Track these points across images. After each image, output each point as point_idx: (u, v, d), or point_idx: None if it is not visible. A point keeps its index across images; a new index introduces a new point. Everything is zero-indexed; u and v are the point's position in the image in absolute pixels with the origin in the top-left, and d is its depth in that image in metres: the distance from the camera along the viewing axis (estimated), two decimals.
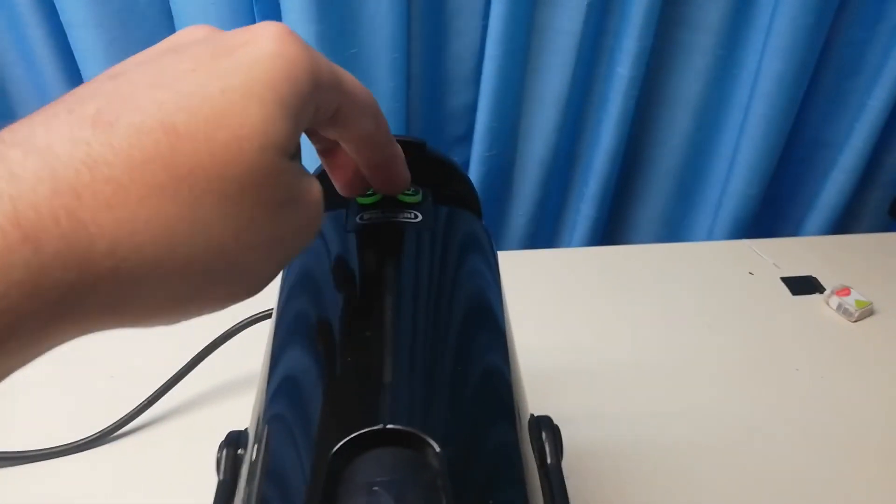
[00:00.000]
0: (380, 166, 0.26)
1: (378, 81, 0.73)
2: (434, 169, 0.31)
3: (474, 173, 0.83)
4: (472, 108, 0.80)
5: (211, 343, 0.51)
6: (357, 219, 0.29)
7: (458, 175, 0.34)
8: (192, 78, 0.17)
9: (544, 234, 0.92)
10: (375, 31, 0.70)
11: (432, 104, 0.81)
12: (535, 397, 0.56)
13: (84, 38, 0.68)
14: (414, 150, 0.32)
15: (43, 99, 0.77)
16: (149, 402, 0.51)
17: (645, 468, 0.51)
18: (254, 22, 0.68)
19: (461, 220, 0.31)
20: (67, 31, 0.68)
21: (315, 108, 0.20)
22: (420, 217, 0.30)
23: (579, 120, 0.83)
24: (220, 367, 0.53)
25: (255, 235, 0.18)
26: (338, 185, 0.28)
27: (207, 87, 0.17)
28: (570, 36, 0.74)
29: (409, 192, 0.30)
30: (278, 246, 0.19)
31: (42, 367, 0.52)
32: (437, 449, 0.20)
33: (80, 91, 0.17)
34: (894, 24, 0.75)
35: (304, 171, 0.20)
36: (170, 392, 0.52)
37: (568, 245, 0.93)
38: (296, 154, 0.20)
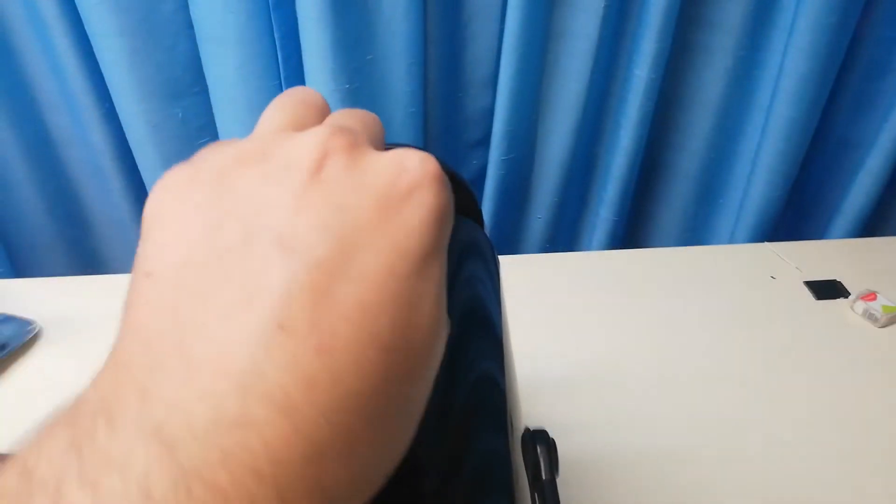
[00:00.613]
0: None
1: (395, 86, 0.74)
2: None
3: (492, 177, 0.83)
4: (490, 112, 0.80)
5: None
6: None
7: (457, 182, 0.33)
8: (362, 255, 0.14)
9: (563, 237, 0.92)
10: (392, 36, 0.70)
11: (449, 109, 0.81)
12: (550, 402, 0.56)
13: (110, 47, 0.70)
14: None
15: (70, 108, 0.79)
16: None
17: (664, 476, 0.50)
18: (270, 27, 0.69)
19: (460, 228, 0.31)
20: (92, 41, 0.70)
21: None
22: None
23: (597, 123, 0.83)
24: None
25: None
26: None
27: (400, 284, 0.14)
28: (587, 39, 0.74)
29: None
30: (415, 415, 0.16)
31: (66, 371, 0.53)
32: (421, 457, 0.20)
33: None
34: None
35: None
36: None
37: (587, 249, 0.92)
38: None
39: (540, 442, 0.25)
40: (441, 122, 0.82)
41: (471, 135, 0.84)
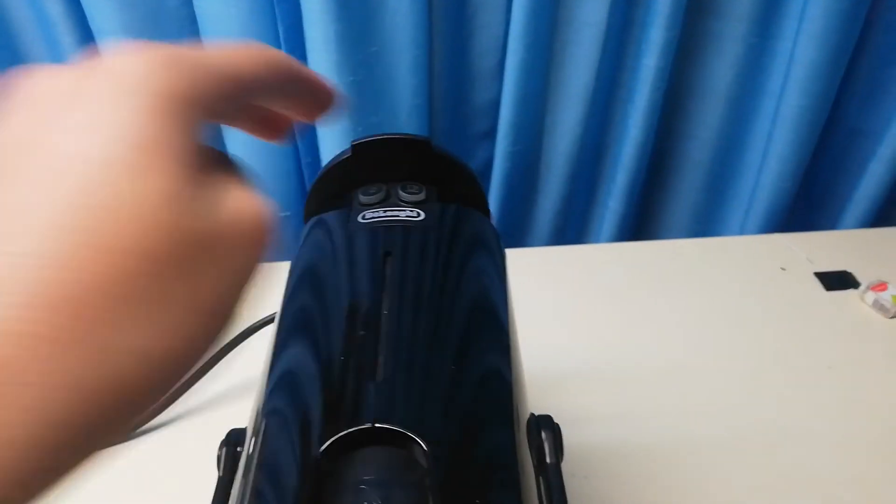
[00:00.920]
0: (300, 95, 0.22)
1: (400, 79, 0.73)
2: (439, 166, 0.31)
3: (499, 169, 0.82)
4: (496, 104, 0.80)
5: (226, 345, 0.52)
6: (359, 218, 0.29)
7: (464, 172, 0.33)
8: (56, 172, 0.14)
9: (571, 229, 0.91)
10: (397, 28, 0.70)
11: (456, 100, 0.81)
12: (560, 395, 0.56)
13: (114, 45, 0.70)
14: (418, 147, 0.32)
15: None
16: (164, 405, 0.52)
17: (672, 468, 0.50)
18: (274, 20, 0.69)
19: (466, 219, 0.31)
20: (97, 38, 0.70)
21: (202, 120, 0.16)
22: (423, 215, 0.29)
23: (606, 113, 0.82)
24: (236, 369, 0.54)
25: (178, 319, 0.15)
26: (265, 137, 0.23)
27: (71, 177, 0.14)
28: (595, 27, 0.73)
29: (413, 191, 0.30)
30: (214, 308, 0.16)
31: None
32: (426, 448, 0.20)
33: None
34: None
35: (220, 192, 0.16)
36: (186, 394, 0.53)
37: (596, 241, 0.91)
38: (203, 181, 0.16)
39: (545, 427, 0.25)
40: (447, 115, 0.81)
41: (477, 127, 0.83)
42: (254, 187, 0.18)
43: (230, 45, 0.18)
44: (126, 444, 0.51)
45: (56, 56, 0.74)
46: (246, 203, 0.17)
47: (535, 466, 0.24)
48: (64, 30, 0.70)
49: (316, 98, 0.22)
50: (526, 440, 0.24)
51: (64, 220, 0.14)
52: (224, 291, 0.16)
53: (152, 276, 0.14)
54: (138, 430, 0.52)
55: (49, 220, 0.14)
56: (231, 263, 0.16)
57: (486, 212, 0.34)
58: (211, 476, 0.26)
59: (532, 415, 0.26)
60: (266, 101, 0.21)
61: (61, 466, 0.14)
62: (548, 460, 0.24)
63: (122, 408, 0.14)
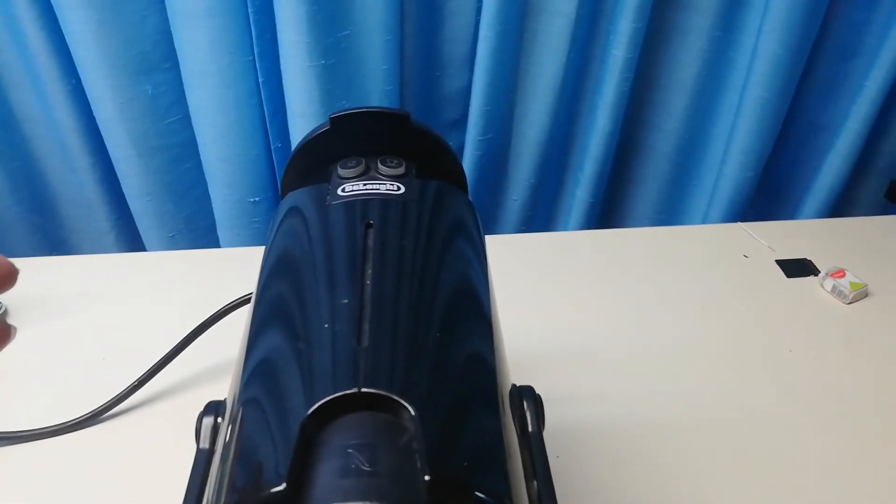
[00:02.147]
0: None
1: (371, 64, 0.73)
2: (418, 142, 0.31)
3: (469, 157, 0.82)
4: (467, 92, 0.80)
5: (199, 325, 0.51)
6: (339, 191, 0.29)
7: (442, 148, 0.33)
8: None
9: (540, 218, 0.92)
10: (368, 12, 0.69)
11: (427, 87, 0.81)
12: (528, 377, 0.56)
13: (75, 20, 0.68)
14: (397, 121, 0.32)
15: (34, 84, 0.77)
16: (140, 382, 0.51)
17: (637, 449, 0.51)
18: (245, 4, 0.67)
19: (445, 193, 0.31)
20: (58, 13, 0.68)
21: None
22: (403, 189, 0.29)
23: (574, 103, 0.83)
24: (210, 349, 0.53)
25: None
26: None
27: None
28: (565, 17, 0.74)
29: (393, 164, 0.30)
30: None
31: (36, 349, 0.52)
32: (413, 412, 0.20)
33: None
34: (892, 6, 0.74)
35: None
36: (161, 373, 0.52)
37: (564, 229, 0.92)
38: None
39: (527, 397, 0.25)
40: (418, 102, 0.81)
41: (448, 114, 0.83)
42: None
43: None
44: (99, 425, 0.50)
45: (13, 32, 0.72)
46: None
47: (518, 435, 0.24)
48: (21, 3, 0.68)
49: None
50: (509, 408, 0.24)
51: None
52: None
53: None
54: (111, 412, 0.51)
55: None
56: None
57: (465, 188, 0.34)
58: (187, 455, 0.26)
59: (514, 385, 0.26)
60: None
61: None
62: (530, 429, 0.24)
63: None
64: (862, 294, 0.66)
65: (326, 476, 0.19)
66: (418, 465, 0.19)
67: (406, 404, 0.20)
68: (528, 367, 0.58)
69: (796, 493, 0.48)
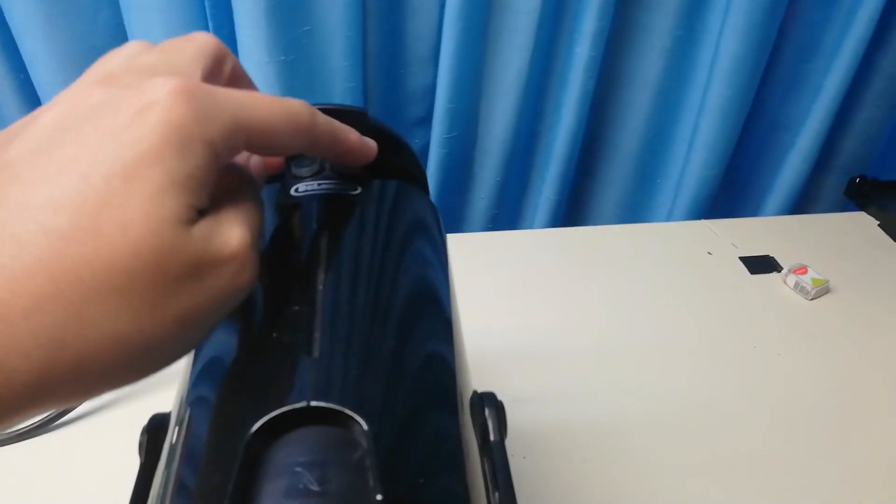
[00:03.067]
0: (332, 157, 0.25)
1: (333, 60, 0.71)
2: (376, 140, 0.30)
3: (434, 156, 0.81)
4: (432, 89, 0.79)
5: None
6: (292, 191, 0.28)
7: (401, 146, 0.32)
8: (75, 169, 0.17)
9: (506, 216, 0.92)
10: (329, 7, 0.68)
11: (390, 85, 0.79)
12: (494, 377, 0.56)
13: (22, 12, 0.65)
14: (354, 119, 0.30)
15: None
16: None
17: (603, 447, 0.51)
18: None
19: (404, 193, 0.30)
20: (3, 5, 0.65)
21: (217, 158, 0.19)
22: (359, 189, 0.28)
23: (539, 101, 0.83)
24: None
25: (158, 318, 0.17)
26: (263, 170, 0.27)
27: (90, 177, 0.16)
28: (529, 15, 0.73)
29: None
30: (190, 320, 0.18)
31: None
32: (365, 427, 0.18)
33: None
34: (850, 6, 0.75)
35: (216, 227, 0.19)
36: None
37: (530, 227, 0.92)
38: (205, 212, 0.19)
39: (488, 404, 0.24)
40: (382, 99, 0.80)
41: (412, 112, 0.82)
42: (248, 222, 0.20)
43: (268, 97, 0.20)
44: (45, 434, 0.48)
45: None
46: (234, 238, 0.19)
47: (479, 444, 0.23)
48: None
49: (342, 158, 0.25)
50: (469, 417, 0.23)
51: (88, 208, 0.16)
52: (204, 308, 0.19)
53: (148, 281, 0.17)
54: (58, 422, 0.49)
55: (76, 204, 0.16)
56: (214, 287, 0.19)
57: (425, 188, 0.33)
58: (134, 465, 0.24)
59: (475, 392, 0.25)
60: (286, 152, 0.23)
61: (38, 405, 0.16)
62: (492, 438, 0.24)
63: (95, 375, 0.17)
64: (824, 290, 0.67)
65: (272, 497, 0.17)
66: (370, 483, 0.18)
67: (358, 418, 0.19)
68: (492, 366, 0.57)
69: (760, 487, 0.49)
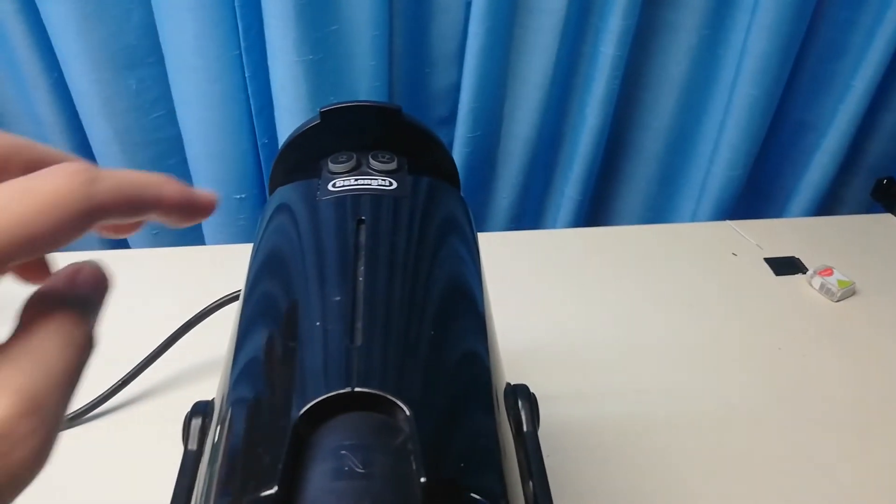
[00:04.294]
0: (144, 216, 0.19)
1: (359, 59, 0.72)
2: (410, 136, 0.31)
3: (458, 155, 0.82)
4: (456, 89, 0.79)
5: (184, 324, 0.51)
6: (329, 186, 0.28)
7: (434, 143, 0.33)
8: None
9: (528, 216, 0.92)
10: (356, 7, 0.69)
11: (415, 84, 0.80)
12: (517, 376, 0.56)
13: (58, 13, 0.67)
14: (389, 116, 0.31)
15: (15, 79, 0.75)
16: (123, 382, 0.50)
17: (627, 447, 0.51)
18: None
19: (437, 189, 0.31)
20: (39, 6, 0.67)
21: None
22: (395, 185, 0.29)
23: (564, 100, 0.83)
24: (195, 348, 0.52)
25: None
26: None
27: None
28: (555, 14, 0.73)
29: (385, 160, 0.30)
30: None
31: None
32: (408, 412, 0.19)
33: None
34: (879, 5, 0.74)
35: None
36: (145, 373, 0.51)
37: (552, 227, 0.92)
38: None
39: (521, 396, 0.25)
40: (406, 98, 0.80)
41: (437, 111, 0.83)
42: (14, 385, 0.15)
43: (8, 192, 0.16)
44: (83, 426, 0.49)
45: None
46: None
47: (513, 435, 0.24)
48: None
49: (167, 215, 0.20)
50: (504, 408, 0.24)
51: None
52: None
53: None
54: (94, 413, 0.50)
55: None
56: None
57: (457, 184, 0.34)
58: (172, 457, 0.25)
59: (508, 384, 0.26)
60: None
61: None
62: (525, 428, 0.24)
63: None
64: (849, 292, 0.66)
65: (319, 479, 0.18)
66: (413, 466, 0.18)
67: (401, 404, 0.19)
68: (516, 364, 0.58)
69: (785, 490, 0.48)
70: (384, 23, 0.70)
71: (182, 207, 0.20)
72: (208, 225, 0.82)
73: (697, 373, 0.58)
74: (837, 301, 0.66)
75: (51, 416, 0.15)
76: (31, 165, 0.18)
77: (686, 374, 0.57)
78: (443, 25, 0.76)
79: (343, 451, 0.19)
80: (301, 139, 0.32)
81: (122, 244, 0.87)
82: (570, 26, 0.75)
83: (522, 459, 0.23)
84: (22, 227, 0.15)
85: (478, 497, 0.19)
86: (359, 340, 0.21)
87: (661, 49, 0.79)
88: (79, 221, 0.16)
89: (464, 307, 0.25)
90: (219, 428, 0.22)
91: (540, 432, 0.25)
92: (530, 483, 0.23)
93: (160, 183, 0.19)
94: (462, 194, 0.87)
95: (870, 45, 0.75)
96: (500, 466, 0.21)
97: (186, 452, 0.24)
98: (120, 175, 0.18)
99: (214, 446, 0.21)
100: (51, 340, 0.16)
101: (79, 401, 0.49)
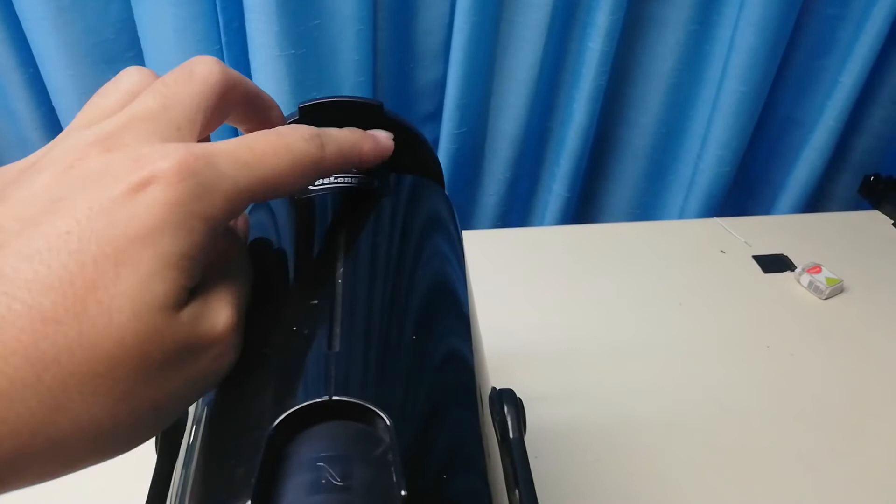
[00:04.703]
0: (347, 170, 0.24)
1: (343, 54, 0.71)
2: (392, 133, 0.30)
3: (444, 151, 0.81)
4: (442, 84, 0.79)
5: None
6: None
7: (417, 140, 0.32)
8: (65, 245, 0.16)
9: (516, 213, 0.91)
10: (339, 1, 0.68)
11: (400, 79, 0.79)
12: (505, 375, 0.56)
13: (33, 6, 0.65)
14: (370, 112, 0.30)
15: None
16: None
17: (614, 446, 0.50)
18: None
19: (421, 187, 0.30)
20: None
21: (215, 232, 0.18)
22: (377, 183, 0.28)
23: (551, 96, 0.82)
24: None
25: (133, 404, 0.17)
26: None
27: (80, 256, 0.16)
28: (541, 9, 0.72)
29: None
30: (165, 405, 0.18)
31: None
32: (388, 421, 0.18)
33: None
34: (866, 1, 0.74)
35: (205, 309, 0.18)
36: None
37: (540, 224, 0.91)
38: (195, 290, 0.18)
39: (507, 401, 0.24)
40: (391, 94, 0.79)
41: (422, 107, 0.82)
42: (235, 301, 0.19)
43: (272, 139, 0.19)
44: None
45: None
46: (221, 320, 0.19)
47: (498, 441, 0.23)
48: None
49: (358, 167, 0.25)
50: (489, 413, 0.23)
51: (75, 289, 0.15)
52: (181, 393, 0.18)
53: (129, 369, 0.16)
54: None
55: (62, 284, 0.15)
56: (194, 371, 0.18)
57: (441, 182, 0.33)
58: (147, 466, 0.24)
59: (494, 389, 0.25)
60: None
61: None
62: (511, 435, 0.23)
63: (62, 461, 0.16)
64: (838, 289, 0.66)
65: (295, 492, 0.17)
66: (394, 478, 0.17)
67: (380, 413, 0.18)
68: (502, 364, 0.57)
69: (773, 488, 0.48)
70: (368, 17, 0.69)
71: (375, 159, 0.25)
72: None
73: (685, 372, 0.57)
74: (826, 299, 0.66)
75: (242, 331, 0.20)
76: (248, 98, 0.22)
77: (674, 373, 0.57)
78: (428, 20, 0.75)
79: (320, 463, 0.18)
80: None
81: None
82: (556, 21, 0.74)
83: (508, 467, 0.23)
84: (274, 178, 0.19)
85: None
86: (337, 346, 0.20)
87: (649, 45, 0.79)
88: (310, 180, 0.21)
89: (447, 309, 0.25)
90: (191, 437, 0.21)
91: (529, 433, 0.24)
92: (516, 492, 0.22)
93: (361, 141, 0.23)
94: (448, 191, 0.86)
95: (857, 41, 0.75)
96: (484, 476, 0.20)
97: (159, 462, 0.23)
98: (339, 139, 0.22)
99: (187, 458, 0.20)
100: (245, 270, 0.22)
101: None
